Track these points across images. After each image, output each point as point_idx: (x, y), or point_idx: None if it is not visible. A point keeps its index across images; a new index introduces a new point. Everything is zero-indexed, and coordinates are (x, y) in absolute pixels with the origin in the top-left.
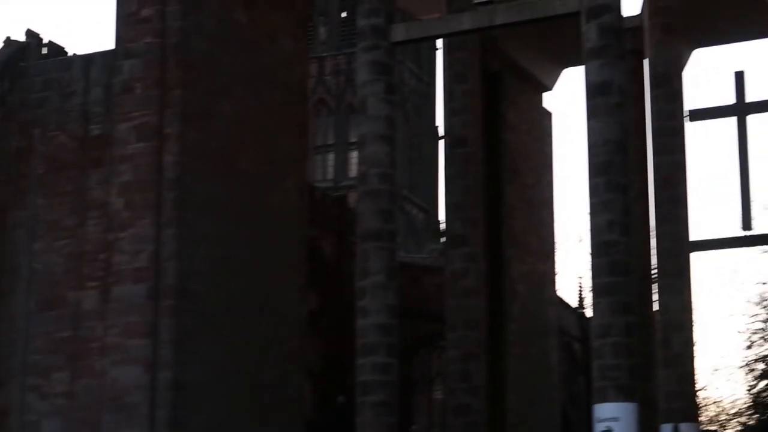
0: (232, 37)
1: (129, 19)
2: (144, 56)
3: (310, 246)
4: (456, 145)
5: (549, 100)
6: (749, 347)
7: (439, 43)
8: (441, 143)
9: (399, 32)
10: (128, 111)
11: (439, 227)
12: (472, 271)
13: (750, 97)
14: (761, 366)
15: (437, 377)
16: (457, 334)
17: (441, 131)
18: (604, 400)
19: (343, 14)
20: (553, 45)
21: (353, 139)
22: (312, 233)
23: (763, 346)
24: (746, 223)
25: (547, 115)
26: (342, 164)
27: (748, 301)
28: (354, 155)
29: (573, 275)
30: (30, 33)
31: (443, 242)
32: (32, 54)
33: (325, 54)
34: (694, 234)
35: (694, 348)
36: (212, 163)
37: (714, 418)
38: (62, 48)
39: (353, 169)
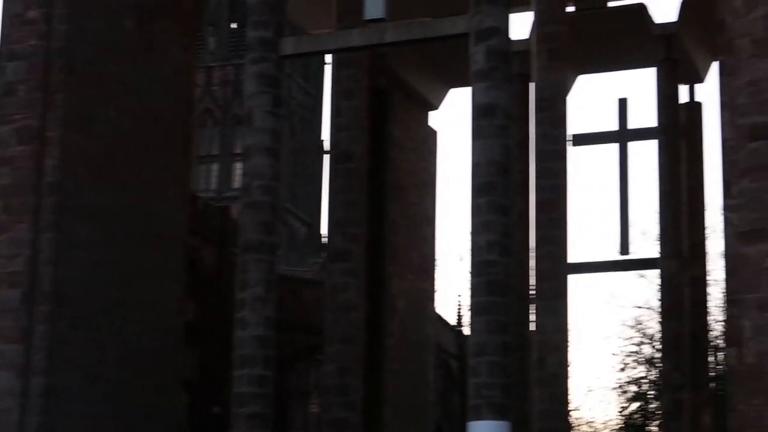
0: (119, 44)
1: (14, 21)
2: (28, 58)
3: (190, 256)
4: (341, 160)
5: (436, 119)
6: (623, 369)
7: (329, 58)
8: (326, 158)
9: (288, 46)
10: (10, 113)
11: (321, 241)
12: (352, 285)
13: (632, 124)
14: (633, 388)
15: (314, 391)
16: (335, 348)
17: (327, 146)
18: (479, 417)
19: (233, 25)
20: (441, 65)
21: (238, 151)
22: (193, 243)
23: (635, 368)
24: (624, 248)
25: (433, 133)
26: (226, 175)
27: (623, 324)
28: (238, 166)
29: (453, 293)
30: None
31: (324, 256)
32: None
33: (213, 64)
34: (573, 256)
35: (569, 369)
36: (94, 169)
37: None
38: None
39: (237, 181)
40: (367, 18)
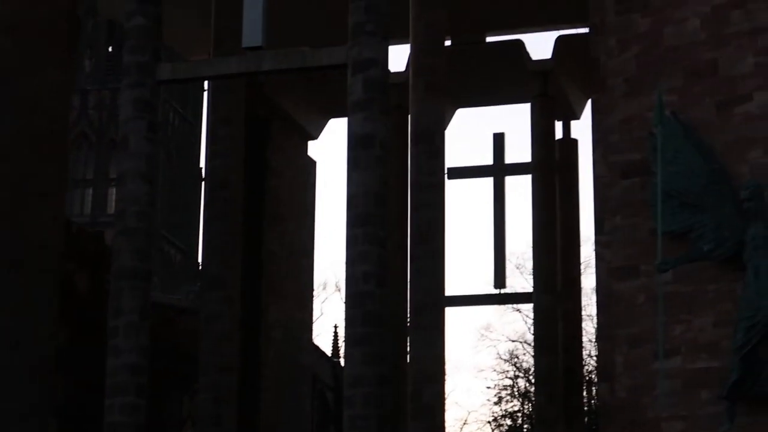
0: None
1: None
2: None
3: (63, 281)
4: (217, 187)
5: (315, 148)
6: (498, 403)
7: (207, 84)
8: (204, 184)
9: (165, 71)
10: None
11: (197, 269)
12: (227, 314)
13: (508, 158)
14: (508, 422)
15: (188, 420)
16: (210, 377)
17: (204, 173)
18: None
19: (110, 48)
20: (320, 94)
21: (113, 175)
22: (66, 268)
23: (510, 402)
24: (499, 282)
25: (312, 163)
26: (101, 200)
27: (499, 358)
28: (113, 191)
29: (330, 323)
30: None
31: (200, 284)
32: None
33: (89, 87)
34: (450, 289)
35: (445, 401)
36: None
37: None
38: None
39: (112, 206)
40: (245, 45)
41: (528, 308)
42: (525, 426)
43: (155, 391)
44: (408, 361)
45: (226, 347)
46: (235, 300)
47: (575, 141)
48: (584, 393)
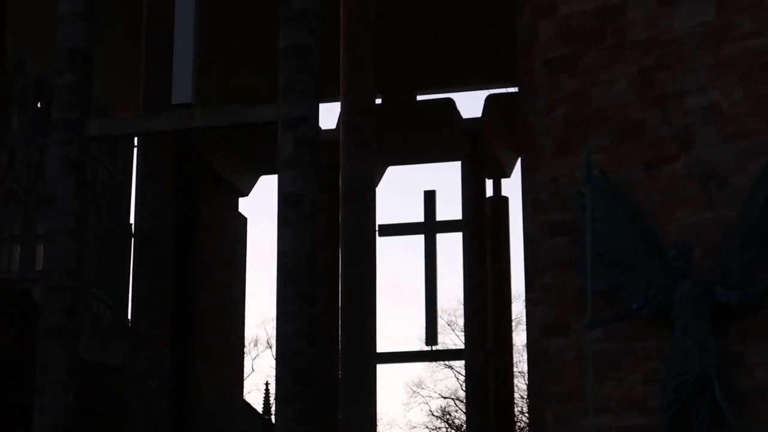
0: None
1: None
2: None
3: None
4: (146, 244)
5: (246, 205)
6: None
7: (137, 140)
8: (133, 241)
9: (94, 128)
10: None
11: (127, 326)
12: (156, 372)
13: (440, 216)
14: None
15: None
16: None
17: (134, 229)
18: None
19: (39, 105)
20: (251, 151)
21: (41, 232)
22: None
23: None
24: (430, 338)
25: (242, 219)
26: (28, 257)
27: (431, 414)
28: (41, 248)
29: (261, 380)
30: None
31: (129, 342)
32: None
33: (17, 144)
34: (381, 346)
35: None
36: None
37: None
38: None
39: (39, 263)
40: (175, 102)
41: (460, 365)
42: None
43: None
44: (339, 419)
45: (155, 406)
46: (165, 358)
47: (506, 199)
48: None
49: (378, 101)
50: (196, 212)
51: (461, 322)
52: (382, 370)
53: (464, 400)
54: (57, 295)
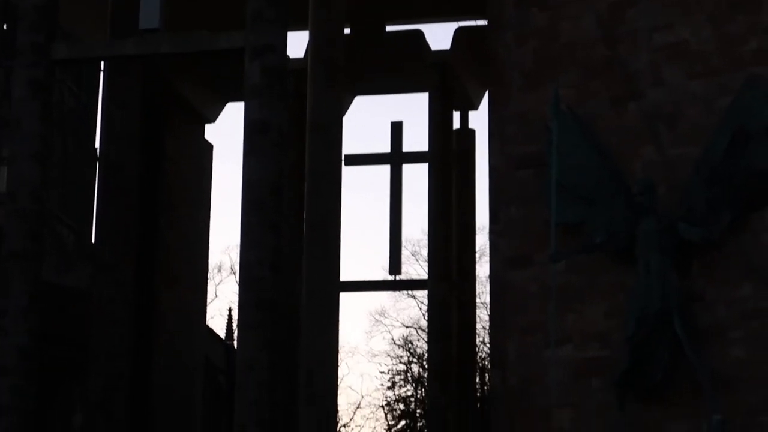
0: None
1: None
2: None
3: None
4: (111, 170)
5: (212, 132)
6: (391, 388)
7: (103, 65)
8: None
9: (60, 51)
10: None
11: (91, 250)
12: (119, 298)
13: (406, 147)
14: (401, 407)
15: (78, 406)
16: (101, 363)
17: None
18: None
19: (4, 26)
20: (218, 78)
21: (5, 155)
22: None
23: (404, 387)
24: (394, 268)
25: (209, 147)
26: None
27: (393, 343)
28: (5, 171)
29: (224, 306)
30: None
31: (92, 267)
32: None
33: None
34: (345, 275)
35: (338, 386)
36: None
37: None
38: None
39: (3, 186)
40: (143, 27)
41: (423, 295)
42: (417, 411)
43: (44, 376)
44: (301, 346)
45: (118, 332)
46: (128, 284)
47: (473, 131)
48: (477, 380)
49: (347, 31)
50: (162, 139)
51: (425, 252)
52: (345, 298)
53: (426, 330)
54: (20, 218)
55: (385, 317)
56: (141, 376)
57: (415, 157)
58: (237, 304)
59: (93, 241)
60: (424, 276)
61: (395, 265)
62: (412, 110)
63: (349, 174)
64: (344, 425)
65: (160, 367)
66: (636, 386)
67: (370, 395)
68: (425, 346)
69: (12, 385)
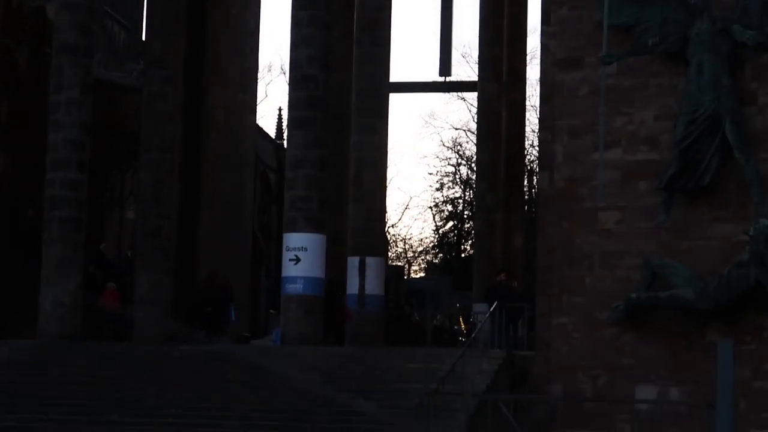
0: None
1: None
2: None
3: (3, 57)
4: None
5: None
6: (439, 189)
7: None
8: None
9: None
10: None
11: (142, 47)
12: (169, 94)
13: None
14: (449, 208)
15: (130, 198)
16: (151, 156)
17: None
18: (294, 230)
19: None
20: None
21: None
22: (6, 43)
23: (452, 188)
24: (444, 70)
25: None
26: None
27: (442, 145)
28: None
29: (275, 106)
30: None
31: (143, 63)
32: None
33: None
34: (394, 76)
35: (386, 186)
36: None
37: (401, 255)
38: None
39: None
40: None
41: (472, 97)
42: (465, 212)
43: (96, 168)
44: (350, 146)
45: (168, 127)
46: (178, 80)
47: None
48: (525, 182)
49: None
50: None
51: (476, 54)
52: (395, 99)
53: (475, 132)
54: (72, 11)
55: (435, 119)
56: (190, 171)
57: None
58: (287, 103)
59: (143, 37)
60: (474, 78)
61: (446, 66)
62: None
63: None
64: (392, 225)
65: (210, 162)
66: (683, 190)
67: (419, 196)
68: (474, 148)
69: (65, 178)
